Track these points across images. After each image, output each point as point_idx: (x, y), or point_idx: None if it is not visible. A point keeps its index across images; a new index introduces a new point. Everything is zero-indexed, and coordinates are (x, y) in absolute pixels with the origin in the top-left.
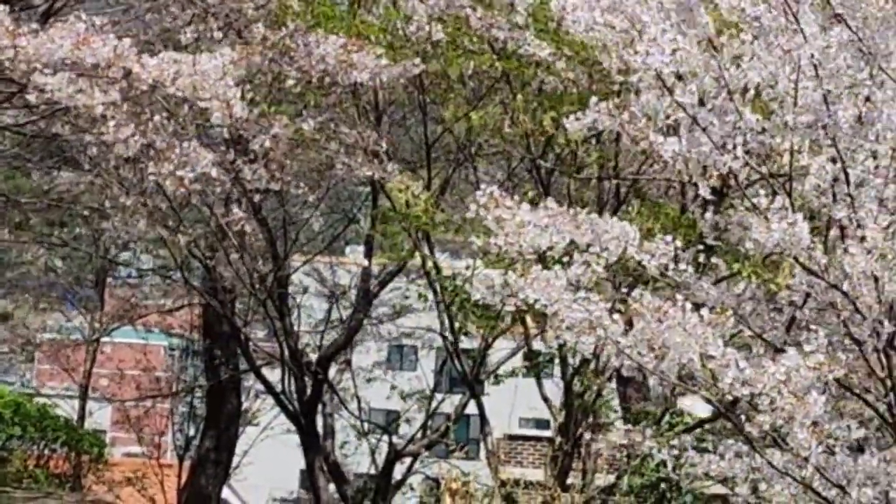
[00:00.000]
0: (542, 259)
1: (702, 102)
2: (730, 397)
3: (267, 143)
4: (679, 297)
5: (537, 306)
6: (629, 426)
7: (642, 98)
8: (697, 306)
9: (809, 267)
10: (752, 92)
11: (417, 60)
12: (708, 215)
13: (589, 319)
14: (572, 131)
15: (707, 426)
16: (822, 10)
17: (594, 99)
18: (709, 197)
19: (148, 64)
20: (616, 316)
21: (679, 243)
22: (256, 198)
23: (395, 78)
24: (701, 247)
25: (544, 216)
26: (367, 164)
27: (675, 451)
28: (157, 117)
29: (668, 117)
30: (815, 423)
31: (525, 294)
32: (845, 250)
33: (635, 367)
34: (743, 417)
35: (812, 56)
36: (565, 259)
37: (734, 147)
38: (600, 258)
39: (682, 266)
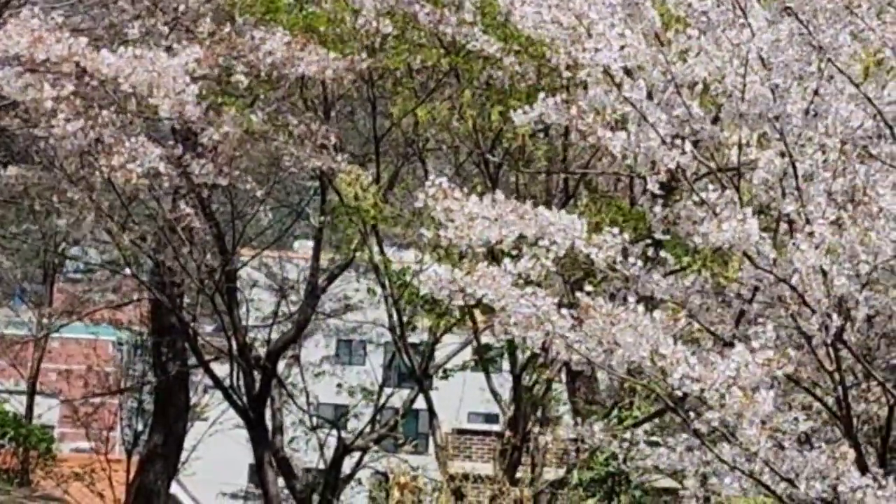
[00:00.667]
0: (492, 253)
1: (650, 97)
2: (679, 393)
3: (216, 137)
4: (630, 298)
5: (485, 301)
6: (578, 420)
7: (590, 93)
8: (645, 300)
9: (758, 262)
10: (700, 86)
11: (364, 55)
12: (656, 209)
13: (536, 314)
14: (520, 125)
15: (656, 420)
16: (770, 3)
17: (542, 95)
18: (657, 191)
19: (107, 60)
20: (564, 311)
21: (627, 237)
22: (204, 192)
23: (342, 72)
24: (649, 241)
25: (493, 209)
26: (316, 155)
27: (626, 444)
28: (105, 112)
29: (614, 111)
30: (763, 420)
31: (472, 290)
32: (794, 245)
33: (584, 362)
34: (692, 413)
35: (760, 50)
36: (514, 252)
37: (682, 141)
38: (549, 252)
39: (631, 260)
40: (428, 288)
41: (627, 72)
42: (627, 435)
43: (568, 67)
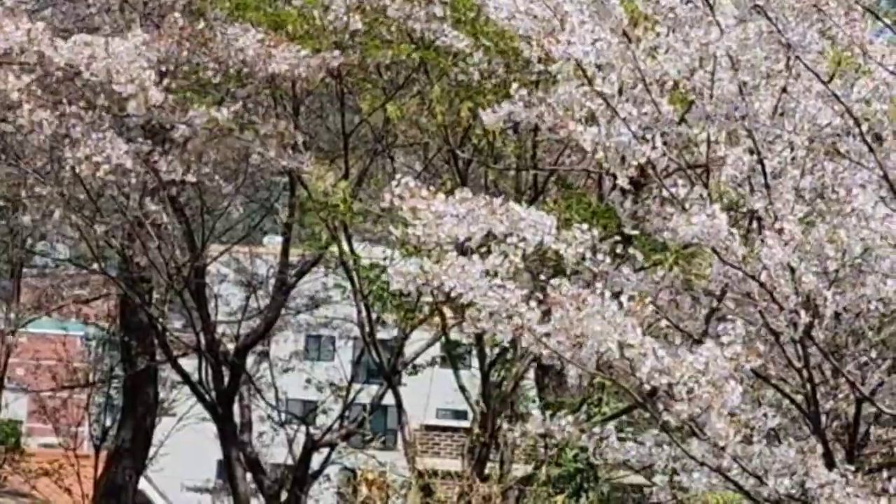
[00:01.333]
0: (462, 250)
1: (621, 92)
2: (648, 387)
3: (186, 132)
4: (598, 284)
5: (453, 294)
6: (547, 416)
7: (561, 88)
8: (616, 295)
9: (726, 258)
10: (670, 83)
11: (336, 53)
12: (626, 205)
13: (505, 307)
14: (489, 123)
15: (625, 417)
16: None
17: (514, 86)
18: (627, 187)
19: (62, 47)
20: (533, 303)
21: (596, 232)
22: (173, 189)
23: (314, 70)
24: (618, 237)
25: (461, 206)
26: (282, 154)
27: (597, 438)
28: (73, 106)
29: (583, 107)
30: (732, 414)
31: (441, 282)
32: (762, 241)
33: (553, 357)
34: (661, 407)
35: (729, 48)
36: (483, 249)
37: (652, 137)
38: (518, 248)
39: (600, 256)
40: (396, 283)
41: (599, 67)
42: (597, 429)
43: (540, 60)
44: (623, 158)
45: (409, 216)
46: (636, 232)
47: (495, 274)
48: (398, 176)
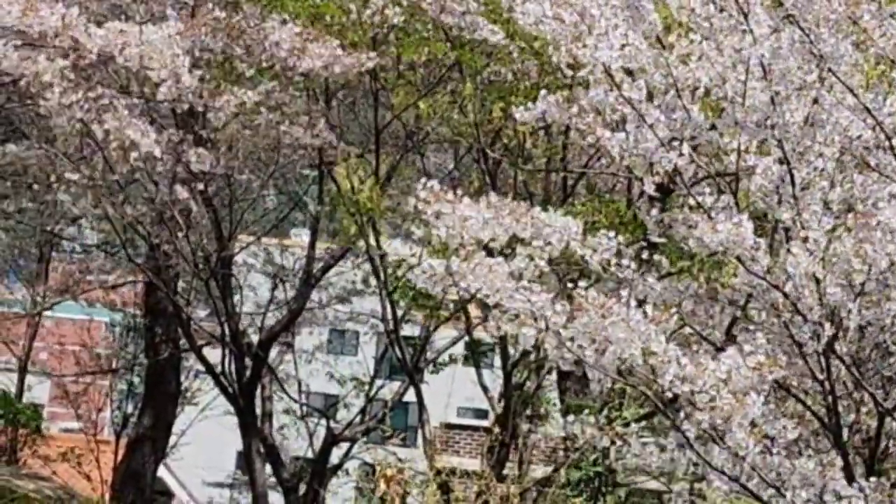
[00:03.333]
0: (487, 251)
1: (650, 98)
2: (669, 394)
3: (220, 116)
4: (623, 292)
5: (479, 295)
6: (568, 419)
7: (591, 92)
8: (640, 302)
9: (751, 268)
10: (701, 90)
11: (372, 54)
12: (653, 212)
13: (530, 309)
14: (521, 122)
15: (645, 423)
16: (775, 10)
17: (543, 92)
18: (653, 193)
19: (95, 34)
20: (559, 307)
21: (622, 239)
22: (202, 180)
23: (349, 68)
24: (644, 243)
25: (487, 210)
26: (310, 134)
27: (619, 440)
28: (106, 91)
29: (614, 111)
30: (752, 424)
31: (467, 282)
32: (789, 252)
33: (574, 362)
34: (682, 415)
35: (762, 57)
36: (508, 252)
37: (680, 144)
38: (543, 252)
39: (625, 262)
40: (422, 282)
41: (629, 72)
42: (619, 430)
43: (569, 66)
44: (651, 165)
45: (433, 220)
46: (663, 240)
47: (520, 276)
48: (423, 179)
